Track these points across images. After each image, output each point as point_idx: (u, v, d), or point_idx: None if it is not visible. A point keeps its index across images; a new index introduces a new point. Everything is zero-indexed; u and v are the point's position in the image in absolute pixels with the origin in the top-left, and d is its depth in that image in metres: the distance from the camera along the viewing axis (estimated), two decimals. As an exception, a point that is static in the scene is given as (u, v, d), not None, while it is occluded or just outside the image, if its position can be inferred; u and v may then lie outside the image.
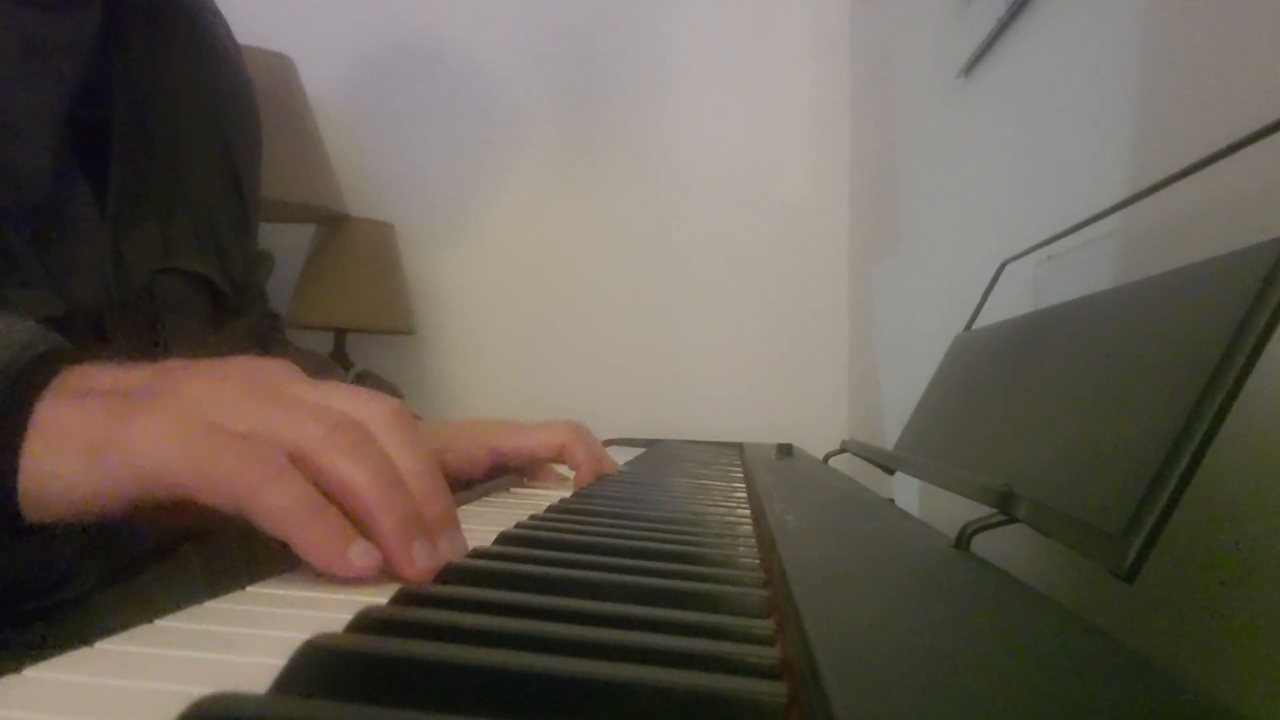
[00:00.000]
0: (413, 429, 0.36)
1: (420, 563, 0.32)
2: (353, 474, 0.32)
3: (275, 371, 0.37)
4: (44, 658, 0.22)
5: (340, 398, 0.35)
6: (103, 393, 0.35)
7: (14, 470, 0.34)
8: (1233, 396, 0.27)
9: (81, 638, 0.24)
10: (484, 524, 0.48)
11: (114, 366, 0.37)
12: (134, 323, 0.58)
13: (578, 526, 0.45)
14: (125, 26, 0.59)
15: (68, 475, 0.33)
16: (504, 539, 0.40)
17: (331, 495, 0.32)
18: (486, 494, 0.64)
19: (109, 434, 0.33)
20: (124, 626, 0.25)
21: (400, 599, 0.28)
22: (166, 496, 0.33)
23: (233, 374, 0.36)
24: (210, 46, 0.68)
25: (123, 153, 0.58)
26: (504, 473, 0.71)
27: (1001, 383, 0.52)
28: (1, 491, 0.34)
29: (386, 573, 0.32)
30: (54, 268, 0.53)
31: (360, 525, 0.32)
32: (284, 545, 0.32)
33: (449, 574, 0.32)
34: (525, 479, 0.73)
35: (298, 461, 0.32)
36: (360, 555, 0.31)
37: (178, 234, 0.62)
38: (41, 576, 0.50)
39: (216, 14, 0.70)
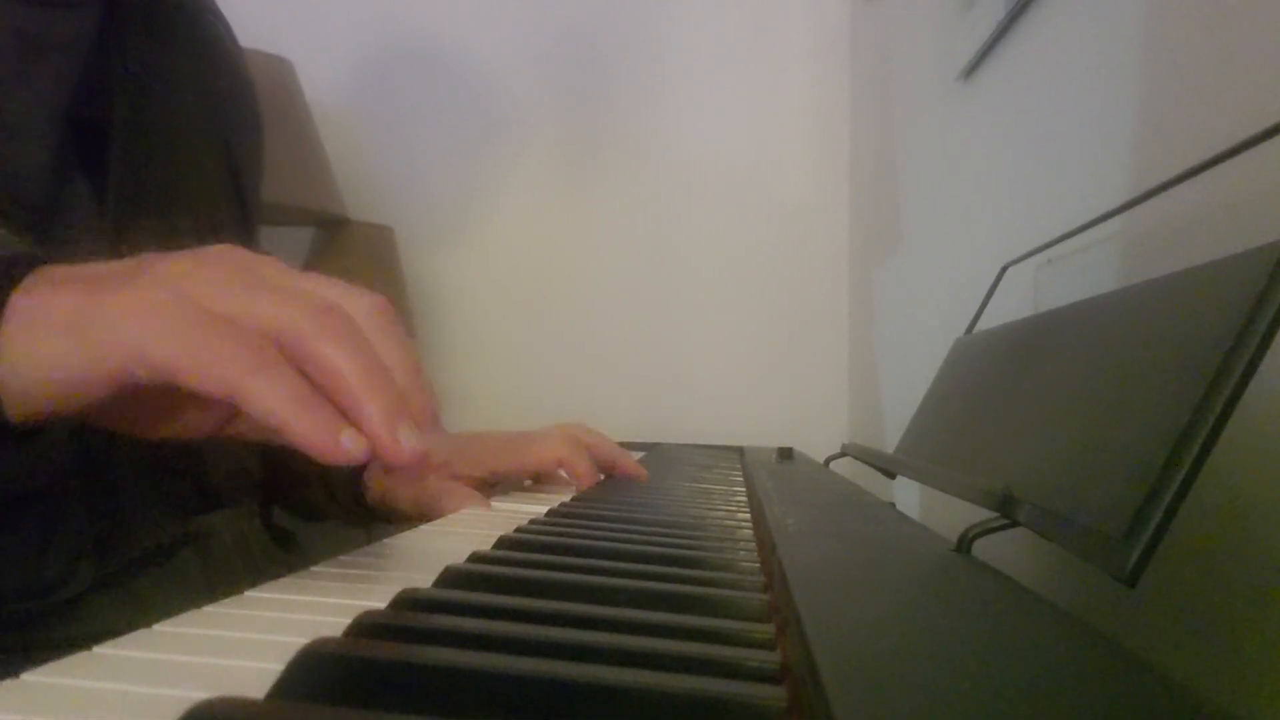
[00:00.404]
0: (397, 325, 0.36)
1: (406, 445, 0.32)
2: (339, 360, 0.32)
3: (259, 259, 0.36)
4: (41, 660, 0.22)
5: (326, 288, 0.35)
6: (84, 279, 0.34)
7: None
8: (1234, 400, 0.27)
9: (78, 640, 0.24)
10: (483, 528, 0.48)
11: (99, 264, 0.36)
12: None
13: (577, 531, 0.45)
14: (125, 26, 0.59)
15: (49, 355, 0.32)
16: (504, 543, 0.40)
17: (316, 381, 0.32)
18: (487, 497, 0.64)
19: (89, 310, 0.32)
20: (122, 629, 0.25)
21: (399, 603, 0.27)
22: (150, 377, 0.31)
23: (215, 258, 0.35)
24: (211, 46, 0.68)
25: (122, 152, 0.58)
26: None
27: (1002, 386, 0.52)
28: None
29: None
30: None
31: (346, 411, 0.32)
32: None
33: (448, 578, 0.32)
34: (530, 482, 0.74)
35: (283, 346, 0.32)
36: (351, 440, 0.31)
37: (179, 234, 0.62)
38: (34, 578, 0.50)
39: (218, 14, 0.70)
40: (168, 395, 0.32)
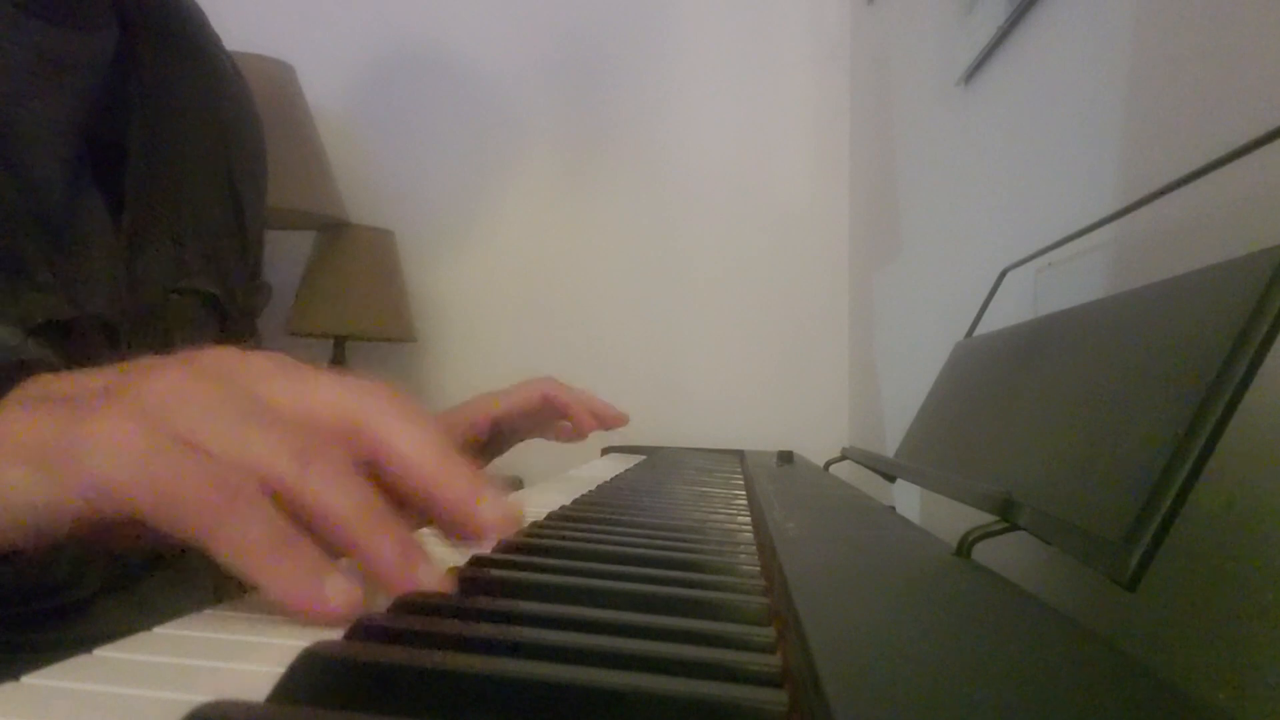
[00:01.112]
0: (409, 407, 0.33)
1: (424, 578, 0.30)
2: (332, 503, 0.29)
3: (256, 368, 0.33)
4: (46, 662, 0.22)
5: (328, 393, 0.32)
6: (61, 398, 0.32)
7: None
8: (1234, 404, 0.27)
9: (86, 641, 0.24)
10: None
11: (80, 372, 0.34)
12: (145, 339, 0.59)
13: (577, 534, 0.45)
14: (139, 52, 0.61)
15: (16, 487, 0.30)
16: (504, 546, 0.40)
17: (313, 528, 0.29)
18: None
19: (59, 441, 0.29)
20: (128, 632, 0.25)
21: (399, 607, 0.27)
22: (115, 515, 0.29)
23: (211, 375, 0.31)
24: (217, 78, 0.70)
25: (136, 172, 0.59)
26: (500, 446, 0.74)
27: (1002, 390, 0.52)
28: None
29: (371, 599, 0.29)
30: (65, 276, 0.54)
31: (349, 554, 0.29)
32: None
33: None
34: (553, 437, 0.78)
35: (273, 490, 0.29)
36: (338, 593, 0.28)
37: (191, 255, 0.63)
38: (43, 580, 0.50)
39: (220, 46, 0.71)
40: (137, 523, 0.29)
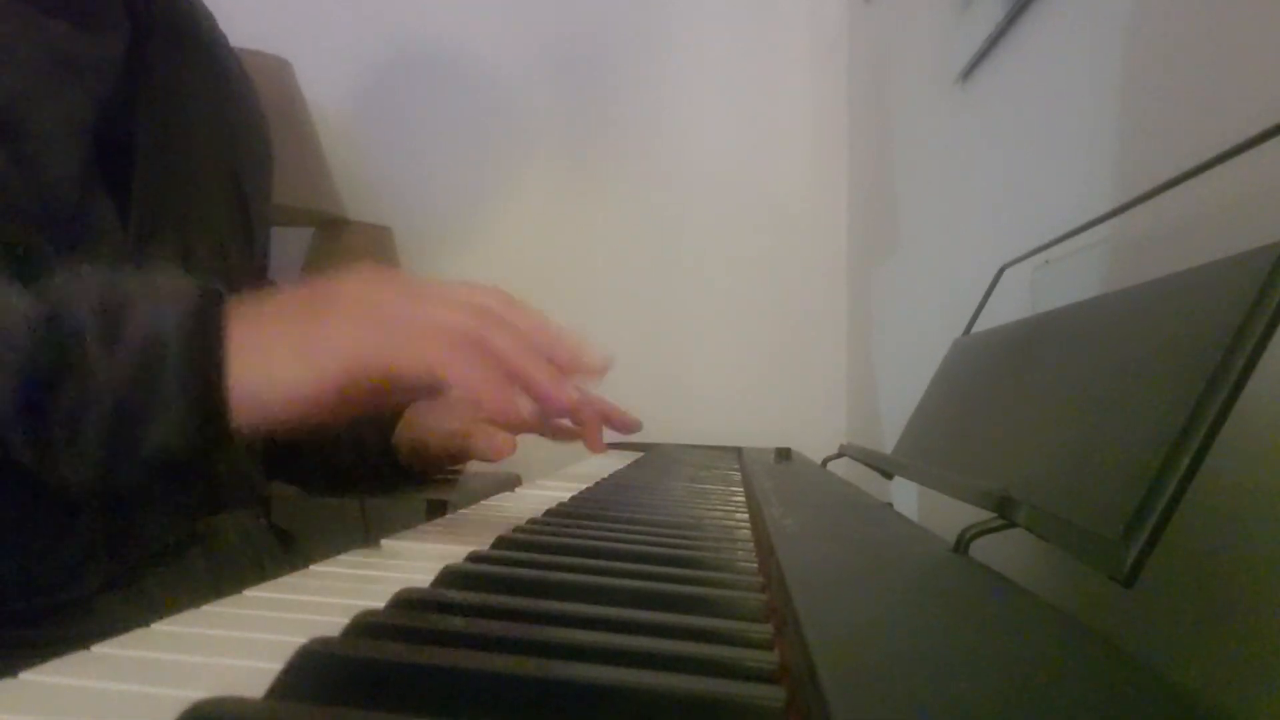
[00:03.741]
0: (524, 306, 0.46)
1: (565, 394, 0.43)
2: (504, 345, 0.42)
3: (400, 279, 0.46)
4: (46, 658, 0.22)
5: (470, 291, 0.45)
6: (273, 311, 0.42)
7: (224, 388, 0.40)
8: (1231, 400, 0.27)
9: (85, 639, 0.24)
10: (481, 529, 0.48)
11: (275, 297, 0.44)
12: None
13: (575, 531, 0.45)
14: (150, 54, 0.62)
15: (285, 379, 0.40)
16: (502, 543, 0.40)
17: (490, 359, 0.41)
18: (485, 497, 0.64)
19: (308, 338, 0.41)
20: (129, 628, 0.25)
21: (397, 603, 0.28)
22: (368, 376, 0.41)
23: (377, 281, 0.45)
24: (225, 80, 0.71)
25: (145, 171, 0.60)
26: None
27: (1000, 387, 0.52)
28: (215, 406, 0.40)
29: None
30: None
31: (516, 378, 0.42)
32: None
33: (447, 578, 0.32)
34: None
35: (458, 337, 0.41)
36: (525, 404, 0.42)
37: (198, 252, 0.64)
38: (50, 572, 0.51)
39: (230, 51, 0.73)
40: (382, 383, 0.41)
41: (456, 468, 0.77)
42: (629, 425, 0.71)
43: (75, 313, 0.40)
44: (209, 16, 0.71)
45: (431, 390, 0.45)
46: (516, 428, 0.42)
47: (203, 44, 0.68)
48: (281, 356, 0.41)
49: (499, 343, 0.42)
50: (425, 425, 0.72)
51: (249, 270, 0.73)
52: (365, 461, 0.74)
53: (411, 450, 0.73)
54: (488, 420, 0.68)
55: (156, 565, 0.58)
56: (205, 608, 0.28)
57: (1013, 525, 0.36)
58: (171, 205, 0.62)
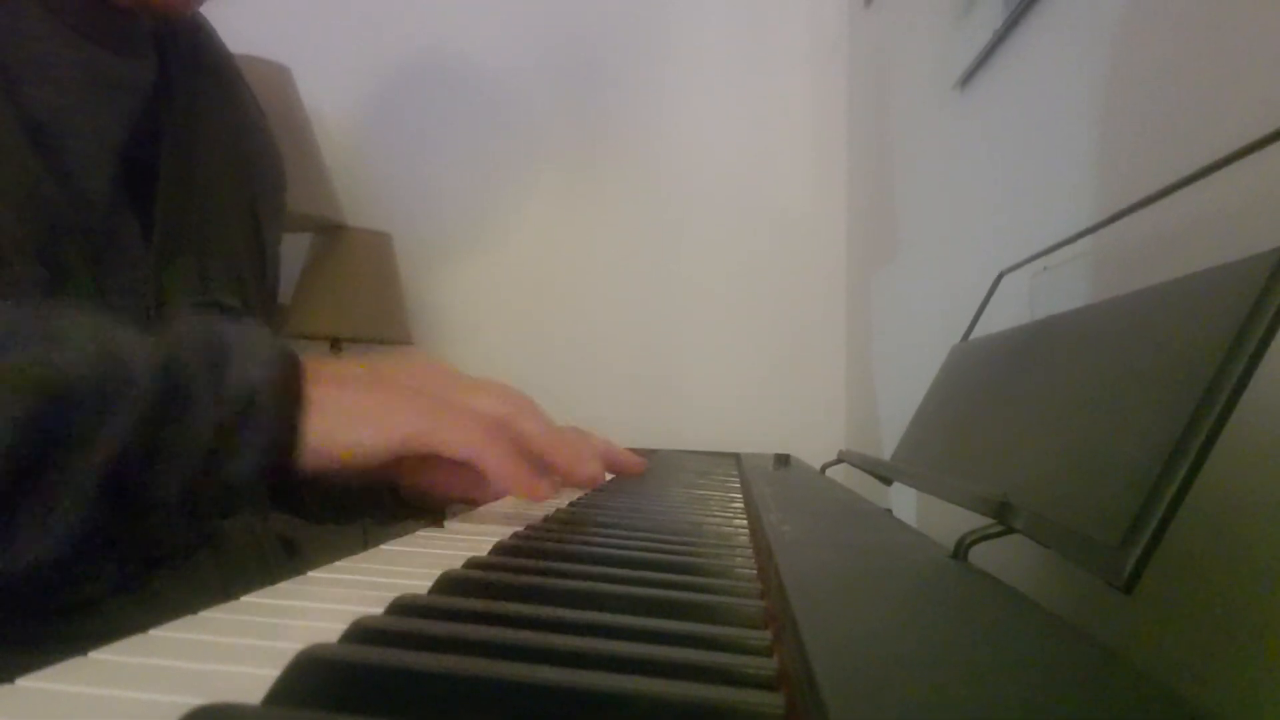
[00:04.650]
0: (539, 408, 0.54)
1: (591, 471, 0.53)
2: (535, 431, 0.51)
3: (448, 369, 0.54)
4: (53, 658, 0.22)
5: (506, 389, 0.53)
6: (348, 379, 0.49)
7: (298, 437, 0.45)
8: (1230, 407, 0.27)
9: (93, 639, 0.24)
10: (480, 535, 0.48)
11: (337, 362, 0.50)
12: None
13: (574, 537, 0.45)
14: (174, 81, 0.66)
15: (351, 438, 0.46)
16: (500, 549, 0.40)
17: (520, 444, 0.49)
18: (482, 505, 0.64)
19: (372, 408, 0.47)
20: (138, 629, 0.26)
21: (395, 609, 0.27)
22: (418, 451, 0.47)
23: (427, 368, 0.53)
24: (242, 110, 0.76)
25: (168, 193, 0.64)
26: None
27: (999, 393, 0.52)
28: (291, 460, 0.45)
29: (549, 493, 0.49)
30: (102, 285, 0.57)
31: (543, 460, 0.50)
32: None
33: (445, 584, 0.32)
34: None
35: (498, 426, 0.48)
36: (548, 486, 0.48)
37: (213, 272, 0.67)
38: (67, 571, 0.52)
39: (245, 84, 0.78)
40: (428, 456, 0.48)
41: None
42: (637, 468, 0.71)
43: (188, 361, 0.44)
44: (227, 55, 0.75)
45: (466, 468, 0.50)
46: (539, 500, 0.49)
47: (221, 77, 0.73)
48: (347, 421, 0.46)
49: (529, 427, 0.51)
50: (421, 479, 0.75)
51: (261, 294, 0.76)
52: (369, 495, 0.76)
53: (414, 488, 0.75)
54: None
55: (164, 567, 0.60)
56: (203, 613, 0.28)
57: (1011, 531, 0.36)
58: (191, 227, 0.66)
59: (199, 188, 0.67)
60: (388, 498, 0.76)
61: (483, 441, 0.47)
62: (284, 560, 0.70)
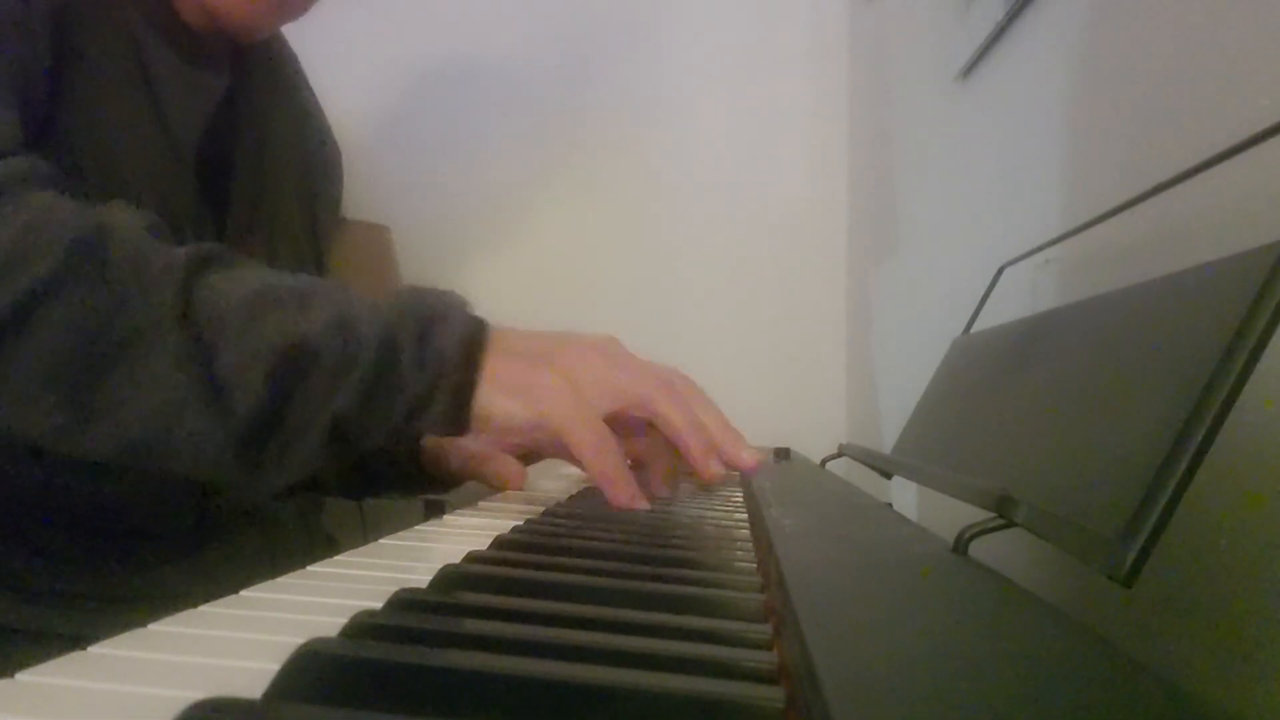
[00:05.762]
0: (699, 390, 0.58)
1: (715, 469, 0.54)
2: (671, 416, 0.53)
3: (613, 344, 0.57)
4: (100, 618, 0.22)
5: (661, 369, 0.56)
6: (519, 354, 0.52)
7: (469, 407, 0.50)
8: (1231, 400, 0.27)
9: (144, 600, 0.25)
10: (480, 529, 0.48)
11: (519, 333, 0.55)
12: None
13: (574, 531, 0.45)
14: (249, 87, 0.76)
15: (506, 410, 0.50)
16: (500, 544, 0.40)
17: (660, 428, 0.53)
18: (482, 499, 0.64)
19: (528, 386, 0.51)
20: (187, 595, 0.28)
21: (395, 603, 0.27)
22: (546, 437, 0.54)
23: (595, 346, 0.56)
24: (305, 118, 0.86)
25: (242, 181, 0.73)
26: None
27: (1000, 387, 0.52)
28: (460, 410, 0.50)
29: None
30: None
31: (679, 447, 0.53)
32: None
33: (445, 578, 0.32)
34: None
35: (637, 406, 0.53)
36: (636, 488, 0.53)
37: (281, 259, 0.74)
38: (155, 515, 0.62)
39: (311, 90, 0.89)
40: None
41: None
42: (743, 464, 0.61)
43: (402, 339, 0.50)
44: (297, 65, 0.87)
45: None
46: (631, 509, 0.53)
47: (289, 87, 0.84)
48: (507, 389, 0.50)
49: (665, 412, 0.53)
50: (440, 450, 0.77)
51: (316, 268, 0.85)
52: (394, 464, 0.77)
53: (431, 458, 0.77)
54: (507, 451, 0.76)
55: (216, 542, 0.67)
56: (203, 608, 0.28)
57: (1012, 525, 0.36)
58: (262, 211, 0.75)
59: (268, 179, 0.76)
60: (410, 468, 0.78)
61: (593, 445, 0.50)
62: (326, 553, 0.72)
